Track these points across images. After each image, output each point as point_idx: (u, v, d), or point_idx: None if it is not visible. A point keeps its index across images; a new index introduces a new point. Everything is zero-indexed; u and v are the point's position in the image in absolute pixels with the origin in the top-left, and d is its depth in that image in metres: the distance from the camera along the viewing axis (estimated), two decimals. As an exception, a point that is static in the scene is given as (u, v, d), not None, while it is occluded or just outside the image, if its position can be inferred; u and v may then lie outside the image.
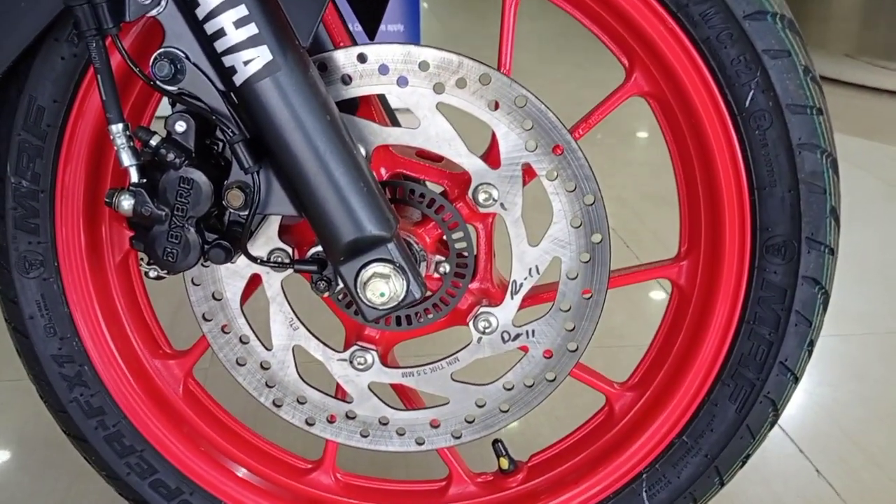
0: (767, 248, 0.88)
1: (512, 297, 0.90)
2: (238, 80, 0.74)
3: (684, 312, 0.95)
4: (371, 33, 1.07)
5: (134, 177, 0.79)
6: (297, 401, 0.95)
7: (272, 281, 0.90)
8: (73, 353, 0.96)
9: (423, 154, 0.91)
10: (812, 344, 0.91)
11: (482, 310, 0.90)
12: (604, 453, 0.98)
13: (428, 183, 0.91)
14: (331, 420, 0.95)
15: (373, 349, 0.93)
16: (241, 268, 0.90)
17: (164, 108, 0.84)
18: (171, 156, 0.78)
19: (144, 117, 0.95)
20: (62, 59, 0.87)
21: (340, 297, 0.91)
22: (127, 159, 0.79)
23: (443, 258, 0.90)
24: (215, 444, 1.03)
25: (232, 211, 0.80)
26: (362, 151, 0.81)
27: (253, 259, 0.83)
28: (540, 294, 0.92)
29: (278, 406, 0.95)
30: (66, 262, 0.94)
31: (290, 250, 0.88)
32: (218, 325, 0.92)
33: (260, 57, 0.73)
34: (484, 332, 0.91)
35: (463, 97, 0.83)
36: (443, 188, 0.92)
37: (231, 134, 0.77)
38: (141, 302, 1.02)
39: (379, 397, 0.95)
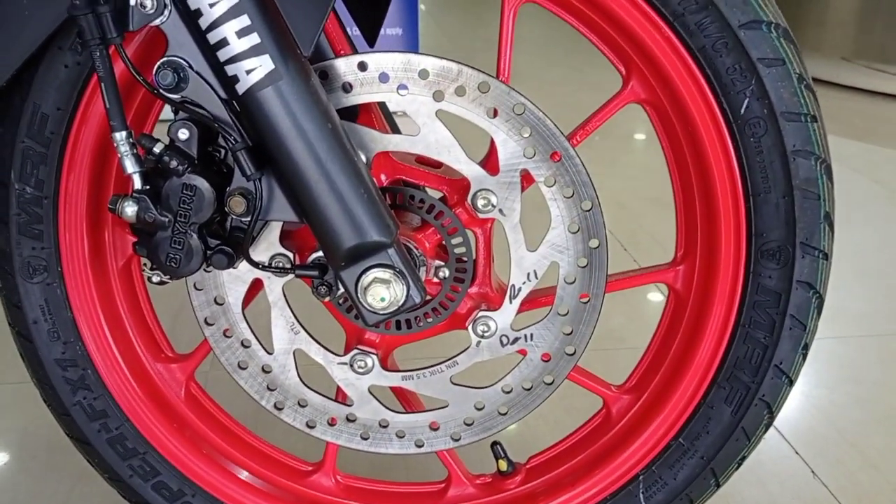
0: (762, 253, 0.89)
1: (510, 302, 0.90)
2: (240, 88, 0.75)
3: (681, 316, 0.96)
4: (371, 40, 1.08)
5: (137, 183, 0.80)
6: (298, 404, 0.96)
7: (273, 286, 0.91)
8: (77, 357, 0.97)
9: (422, 160, 0.92)
10: (807, 347, 0.92)
11: (481, 314, 0.91)
12: (601, 455, 0.99)
13: (427, 189, 0.92)
14: (331, 423, 0.96)
15: (373, 353, 0.94)
16: (243, 273, 0.91)
17: (167, 112, 0.85)
18: (174, 163, 0.78)
19: (147, 124, 0.96)
20: (66, 68, 0.88)
21: (341, 301, 0.91)
22: (130, 166, 0.79)
23: (442, 263, 0.91)
24: (217, 446, 1.04)
25: (234, 217, 0.81)
26: (363, 158, 0.82)
27: (255, 264, 0.84)
28: (538, 298, 0.93)
29: (279, 409, 0.96)
30: (69, 267, 0.95)
31: (291, 255, 0.88)
32: (220, 329, 0.93)
33: (262, 66, 0.74)
34: (483, 336, 0.92)
35: (462, 105, 0.84)
36: (442, 194, 0.93)
37: (233, 141, 0.78)
38: (143, 306, 1.02)
39: (379, 400, 0.95)
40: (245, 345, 0.94)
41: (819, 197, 0.87)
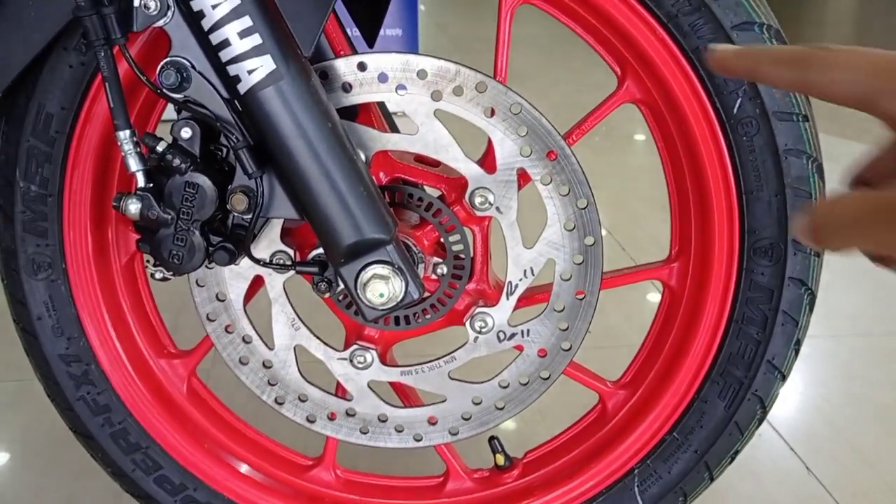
0: (755, 251, 0.90)
1: (507, 298, 0.92)
2: (242, 88, 0.76)
3: (675, 313, 0.98)
4: (370, 41, 1.09)
5: (141, 181, 0.81)
6: (299, 399, 0.97)
7: (274, 282, 0.92)
8: (80, 353, 0.98)
9: (421, 159, 0.93)
10: (799, 343, 0.94)
11: (478, 310, 0.92)
12: (597, 450, 1.01)
13: (426, 187, 0.93)
14: (331, 417, 0.97)
15: (372, 348, 0.95)
16: (245, 269, 0.92)
17: (170, 112, 0.86)
18: (176, 161, 0.79)
19: (150, 123, 0.97)
20: (70, 68, 0.89)
21: (341, 297, 0.93)
22: (134, 164, 0.80)
23: (440, 260, 0.92)
24: (218, 441, 1.05)
25: (236, 214, 0.82)
26: (362, 157, 0.83)
27: (256, 261, 0.85)
28: (534, 295, 0.94)
29: (280, 404, 0.97)
30: (73, 264, 0.96)
31: (291, 252, 0.89)
32: (222, 325, 0.94)
33: (263, 66, 0.75)
34: (480, 332, 0.93)
35: (460, 104, 0.85)
36: (440, 192, 0.94)
37: (235, 140, 0.79)
38: (146, 303, 1.03)
39: (378, 395, 0.96)
40: (246, 340, 0.95)
41: (811, 195, 0.88)
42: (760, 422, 0.97)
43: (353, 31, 1.05)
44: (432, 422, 0.97)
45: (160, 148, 0.80)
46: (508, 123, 0.86)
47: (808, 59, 0.41)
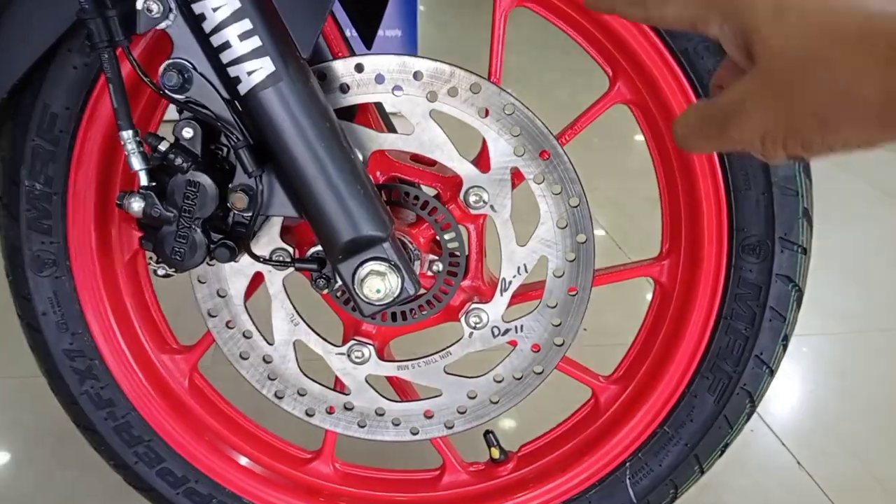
0: (743, 248, 0.92)
1: (501, 294, 0.93)
2: (242, 89, 0.77)
3: (666, 309, 1.00)
4: (368, 42, 1.11)
5: (143, 180, 0.82)
6: (298, 393, 0.99)
7: (274, 279, 0.94)
8: (84, 348, 1.00)
9: (417, 158, 0.95)
10: (786, 338, 0.96)
11: (473, 306, 0.94)
12: (590, 443, 1.03)
13: (422, 186, 0.95)
14: (330, 411, 0.99)
15: (370, 344, 0.97)
16: (245, 266, 0.93)
17: (172, 112, 0.88)
18: (178, 160, 0.80)
19: (152, 123, 0.99)
20: (74, 69, 0.91)
21: (339, 294, 0.94)
22: (137, 163, 0.82)
23: (436, 257, 0.94)
24: (219, 434, 1.07)
25: (236, 212, 0.83)
26: (359, 156, 0.84)
27: (256, 258, 0.87)
28: (528, 291, 0.96)
29: (280, 398, 0.99)
30: (77, 261, 0.98)
31: (290, 250, 0.91)
32: (222, 320, 0.96)
33: (263, 68, 0.76)
34: (475, 328, 0.95)
35: (455, 105, 0.87)
36: (436, 191, 0.95)
37: (235, 140, 0.80)
38: (148, 299, 1.05)
39: (375, 389, 0.98)
40: (246, 336, 0.97)
41: (797, 193, 0.90)
42: (749, 416, 0.99)
43: (351, 32, 1.06)
44: (428, 415, 0.99)
45: (162, 147, 0.81)
46: (502, 124, 0.88)
47: None
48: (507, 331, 0.95)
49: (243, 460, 1.07)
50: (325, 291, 0.91)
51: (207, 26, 0.77)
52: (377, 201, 0.82)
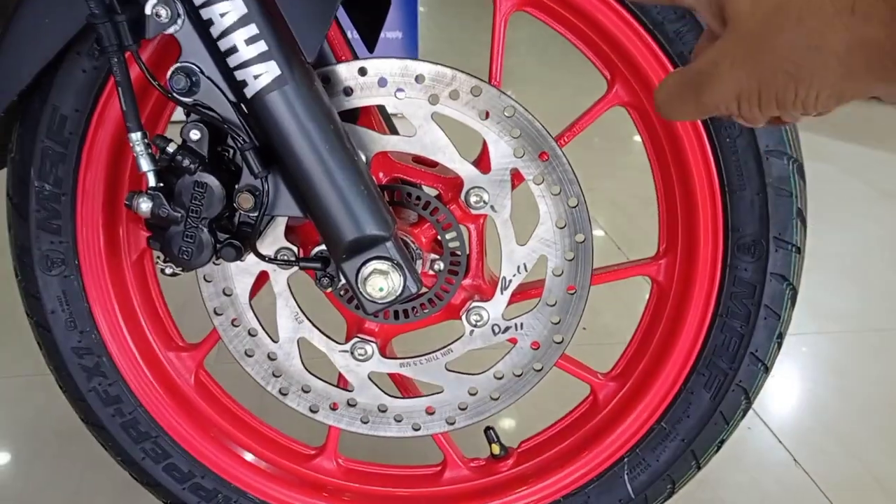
0: (738, 247, 0.94)
1: (502, 293, 0.95)
2: (249, 92, 0.79)
3: (663, 307, 1.02)
4: (371, 45, 1.13)
5: (152, 181, 0.84)
6: (302, 389, 1.01)
7: (279, 278, 0.95)
8: (92, 346, 1.02)
9: (419, 160, 0.96)
10: (781, 336, 0.98)
11: (474, 304, 0.96)
12: (588, 439, 1.04)
13: (423, 187, 0.97)
14: (333, 407, 1.01)
15: (372, 341, 0.99)
16: (250, 265, 0.95)
17: (179, 114, 0.90)
18: (186, 162, 0.82)
19: (160, 125, 1.01)
20: (83, 72, 0.93)
21: (342, 292, 0.96)
22: (145, 165, 0.83)
23: (437, 256, 0.95)
24: (225, 431, 1.08)
25: (242, 212, 0.85)
26: (363, 157, 0.86)
27: (261, 257, 0.88)
28: (528, 290, 0.98)
29: (284, 394, 1.01)
30: (85, 260, 0.99)
31: (295, 249, 0.92)
32: (228, 318, 0.98)
33: (269, 72, 0.78)
34: (476, 326, 0.96)
35: (456, 107, 0.88)
36: (437, 191, 0.97)
37: (242, 142, 0.82)
38: (155, 298, 1.07)
39: (378, 386, 1.00)
40: (252, 333, 0.99)
41: (791, 194, 0.92)
42: (745, 412, 1.01)
43: (353, 34, 1.08)
44: (430, 412, 1.01)
45: (170, 149, 0.83)
46: (502, 126, 0.89)
47: None
48: (507, 328, 0.96)
49: (248, 456, 1.08)
50: (329, 290, 0.93)
51: (215, 31, 0.78)
52: (380, 201, 0.84)
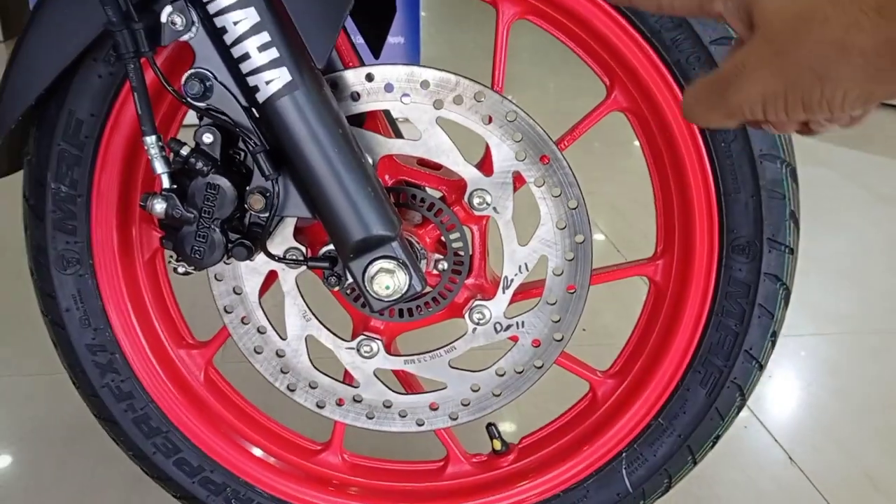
0: (733, 248, 0.97)
1: (503, 292, 0.98)
2: (260, 97, 0.81)
3: (660, 306, 1.04)
4: (376, 52, 1.16)
5: (166, 183, 0.86)
6: (309, 385, 1.03)
7: (287, 277, 0.98)
8: (106, 343, 1.04)
9: (423, 163, 0.99)
10: (775, 335, 1.00)
11: (476, 303, 0.98)
12: (587, 435, 1.07)
13: (428, 189, 0.99)
14: (339, 403, 1.04)
15: (378, 339, 1.01)
16: (260, 265, 0.98)
17: (190, 117, 0.92)
18: (199, 164, 0.85)
19: (172, 128, 1.03)
20: (99, 77, 0.95)
21: (349, 291, 0.99)
22: (160, 167, 0.86)
23: (441, 256, 0.98)
24: (233, 426, 1.11)
25: (253, 213, 0.87)
26: (369, 160, 0.88)
27: (271, 256, 0.91)
28: (529, 289, 1.00)
29: (292, 390, 1.04)
30: (100, 260, 1.02)
31: (303, 249, 0.95)
32: (238, 316, 1.01)
33: (280, 77, 0.81)
34: (478, 324, 0.99)
35: (460, 112, 0.91)
36: (441, 193, 0.99)
37: (253, 145, 0.84)
38: (166, 296, 1.10)
39: (383, 382, 1.02)
40: (261, 331, 1.01)
41: (784, 197, 0.95)
42: (740, 408, 1.03)
43: (357, 39, 1.10)
44: (434, 407, 1.03)
45: (184, 152, 0.85)
46: (504, 130, 0.92)
47: None
48: (508, 327, 0.99)
49: (256, 451, 1.11)
50: (336, 289, 0.95)
51: (228, 38, 0.81)
52: (386, 203, 0.86)
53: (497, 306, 0.98)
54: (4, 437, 1.49)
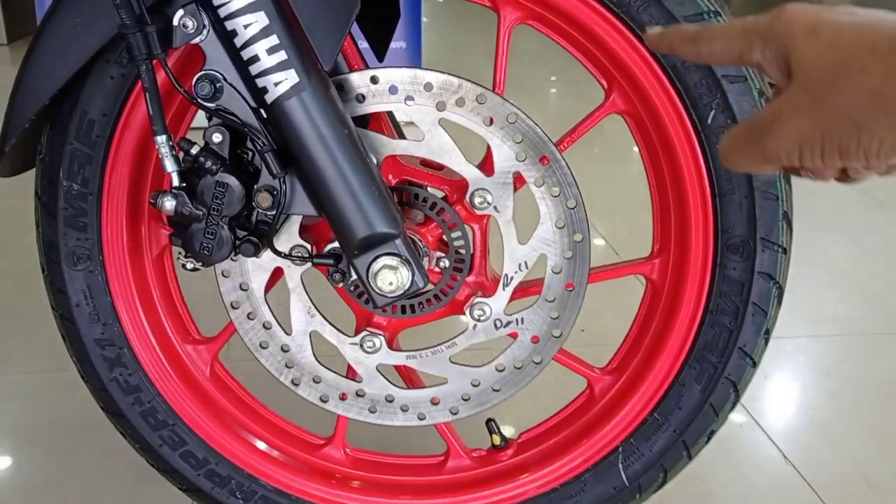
0: (727, 247, 0.99)
1: (503, 289, 1.00)
2: (269, 98, 0.84)
3: (656, 304, 1.07)
4: (381, 55, 1.18)
5: (175, 181, 0.88)
6: (313, 380, 1.05)
7: (293, 273, 1.00)
8: (114, 338, 1.06)
9: (426, 163, 1.01)
10: (768, 332, 1.03)
11: (477, 300, 1.00)
12: (585, 430, 1.09)
13: (430, 188, 1.01)
14: (343, 398, 1.06)
15: (381, 334, 1.03)
16: (266, 262, 1.00)
17: (199, 118, 0.95)
18: (208, 163, 0.87)
19: (181, 128, 1.06)
20: (111, 79, 0.97)
21: (353, 288, 1.01)
22: (170, 166, 0.88)
23: (443, 254, 1.00)
24: (238, 420, 1.13)
25: (260, 211, 0.90)
26: (374, 160, 0.91)
27: (278, 253, 0.93)
28: (528, 287, 1.02)
29: (296, 385, 1.06)
30: (109, 256, 1.04)
31: (309, 246, 0.97)
32: (244, 312, 1.03)
33: (288, 79, 0.83)
34: (479, 320, 1.01)
35: (462, 114, 0.93)
36: (443, 193, 1.02)
37: (261, 144, 0.87)
38: (174, 293, 1.12)
39: (386, 377, 1.05)
40: (266, 326, 1.04)
41: (777, 198, 0.97)
42: (734, 404, 1.06)
43: (362, 44, 1.13)
44: (434, 402, 1.05)
45: (194, 151, 0.88)
46: (505, 131, 0.95)
47: (697, 36, 0.52)
48: (508, 323, 1.01)
49: (260, 445, 1.13)
50: (341, 285, 0.97)
51: (238, 41, 0.83)
52: (390, 202, 0.89)
53: (497, 303, 1.00)
54: (10, 433, 1.51)
